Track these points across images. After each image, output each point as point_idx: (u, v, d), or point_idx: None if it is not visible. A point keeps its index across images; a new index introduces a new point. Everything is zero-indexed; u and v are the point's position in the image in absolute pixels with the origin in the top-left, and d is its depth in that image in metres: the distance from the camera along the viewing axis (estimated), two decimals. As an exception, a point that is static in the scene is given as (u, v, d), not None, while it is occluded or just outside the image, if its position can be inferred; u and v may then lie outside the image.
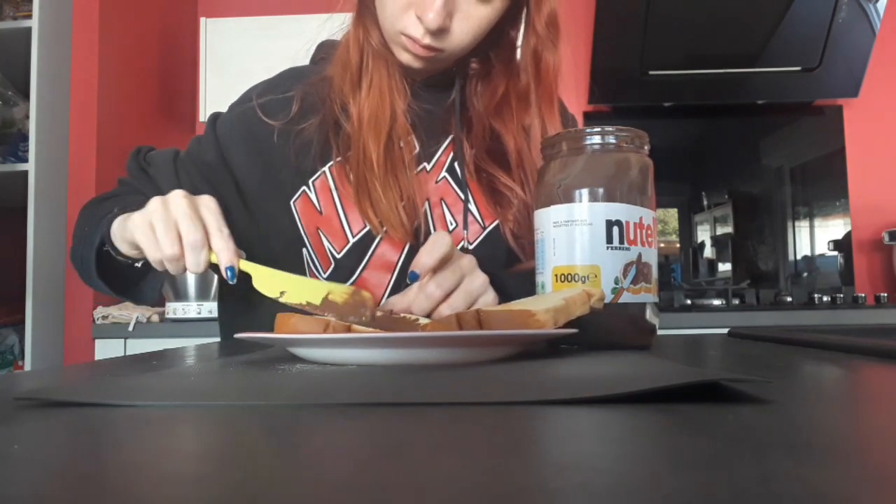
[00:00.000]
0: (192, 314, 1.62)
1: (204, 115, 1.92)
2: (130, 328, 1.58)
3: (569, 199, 0.52)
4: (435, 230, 0.75)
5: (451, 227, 0.76)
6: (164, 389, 0.31)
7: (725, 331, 0.75)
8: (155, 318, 1.63)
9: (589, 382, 0.31)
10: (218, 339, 0.90)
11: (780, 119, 2.16)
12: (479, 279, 0.65)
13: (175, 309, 1.64)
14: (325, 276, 0.75)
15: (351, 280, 0.75)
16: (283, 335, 0.41)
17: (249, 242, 0.74)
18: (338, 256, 0.74)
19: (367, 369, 0.37)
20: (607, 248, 0.51)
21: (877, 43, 1.96)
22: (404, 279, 0.73)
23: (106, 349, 1.63)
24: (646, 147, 0.55)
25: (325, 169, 0.76)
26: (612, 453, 0.18)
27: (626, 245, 0.51)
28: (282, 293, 0.57)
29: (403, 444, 0.20)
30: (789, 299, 1.78)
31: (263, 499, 0.14)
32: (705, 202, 2.20)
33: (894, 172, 2.15)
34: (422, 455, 0.18)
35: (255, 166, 0.77)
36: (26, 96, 1.64)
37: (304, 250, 0.77)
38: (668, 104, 2.11)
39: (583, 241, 0.52)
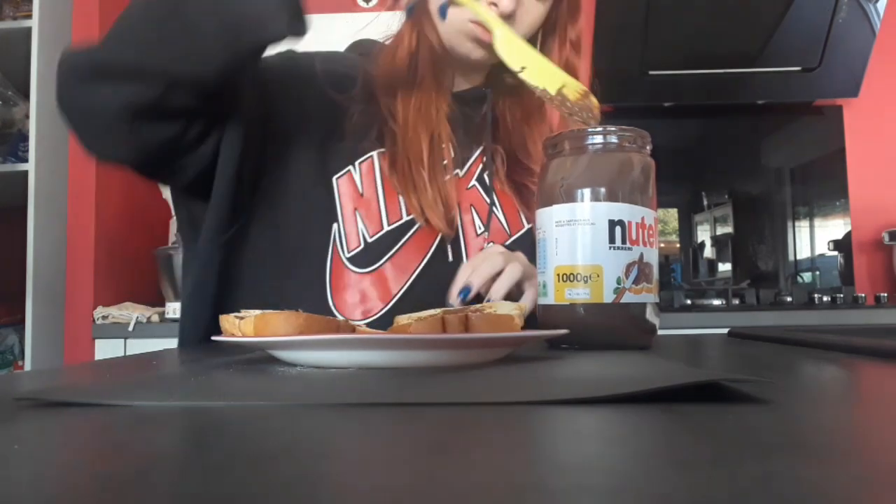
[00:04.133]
0: (193, 314, 1.62)
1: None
2: (130, 328, 1.58)
3: (571, 198, 0.52)
4: (464, 234, 0.78)
5: (479, 232, 0.79)
6: (164, 389, 0.31)
7: (725, 331, 0.75)
8: (155, 318, 1.63)
9: (589, 383, 0.31)
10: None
11: (780, 119, 2.16)
12: (522, 261, 0.70)
13: (175, 309, 1.64)
14: (348, 255, 0.75)
15: (374, 267, 0.75)
16: (264, 338, 0.39)
17: (272, 172, 0.75)
18: (369, 240, 0.75)
19: (366, 371, 0.37)
20: (610, 247, 0.51)
21: (877, 43, 1.96)
22: (424, 278, 0.75)
23: (106, 349, 1.63)
24: (648, 147, 0.56)
25: (374, 153, 0.77)
26: (612, 453, 0.18)
27: (628, 245, 0.51)
28: (522, 68, 0.54)
29: (403, 445, 0.20)
30: (789, 299, 1.77)
31: (263, 499, 0.14)
32: (705, 202, 2.19)
33: (894, 172, 2.15)
34: (422, 455, 0.18)
35: (296, 116, 0.77)
36: (26, 96, 1.64)
37: (335, 225, 0.76)
38: (668, 104, 2.11)
39: (585, 241, 0.52)
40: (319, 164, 0.77)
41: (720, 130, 2.20)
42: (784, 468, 0.16)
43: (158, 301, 1.73)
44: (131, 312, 1.61)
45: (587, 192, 0.52)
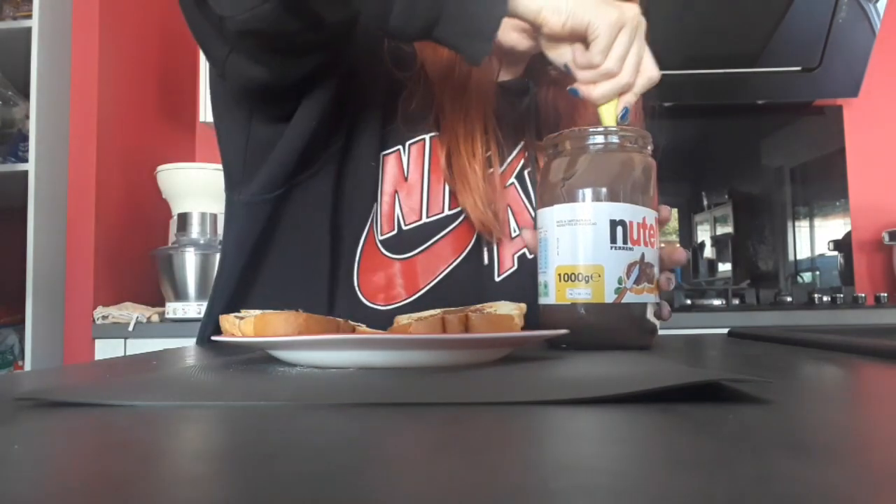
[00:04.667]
0: (192, 314, 1.62)
1: (204, 115, 1.91)
2: (130, 328, 1.58)
3: (572, 198, 0.52)
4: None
5: (514, 235, 0.76)
6: (164, 389, 0.31)
7: (725, 331, 0.75)
8: (155, 318, 1.63)
9: (589, 382, 0.31)
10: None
11: (780, 119, 2.15)
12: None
13: (175, 309, 1.64)
14: (381, 237, 0.73)
15: (406, 256, 0.73)
16: (264, 339, 0.40)
17: (333, 137, 0.70)
18: (404, 228, 0.73)
19: (366, 371, 0.37)
20: (611, 247, 0.51)
21: (877, 43, 1.96)
22: (454, 277, 0.73)
23: (106, 349, 1.62)
24: (649, 147, 0.56)
25: (427, 136, 0.75)
26: (612, 453, 0.18)
27: (629, 245, 0.51)
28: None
29: (403, 445, 0.20)
30: (789, 299, 1.77)
31: (264, 499, 0.14)
32: (705, 202, 2.19)
33: (894, 172, 2.15)
34: (422, 455, 0.18)
35: (366, 87, 0.73)
36: (26, 96, 1.64)
37: (375, 205, 0.73)
38: (669, 104, 2.11)
39: (586, 241, 0.52)
40: (375, 141, 0.74)
41: (720, 130, 2.20)
42: (784, 468, 0.16)
43: (158, 301, 1.73)
44: (131, 312, 1.61)
45: (588, 191, 0.52)
